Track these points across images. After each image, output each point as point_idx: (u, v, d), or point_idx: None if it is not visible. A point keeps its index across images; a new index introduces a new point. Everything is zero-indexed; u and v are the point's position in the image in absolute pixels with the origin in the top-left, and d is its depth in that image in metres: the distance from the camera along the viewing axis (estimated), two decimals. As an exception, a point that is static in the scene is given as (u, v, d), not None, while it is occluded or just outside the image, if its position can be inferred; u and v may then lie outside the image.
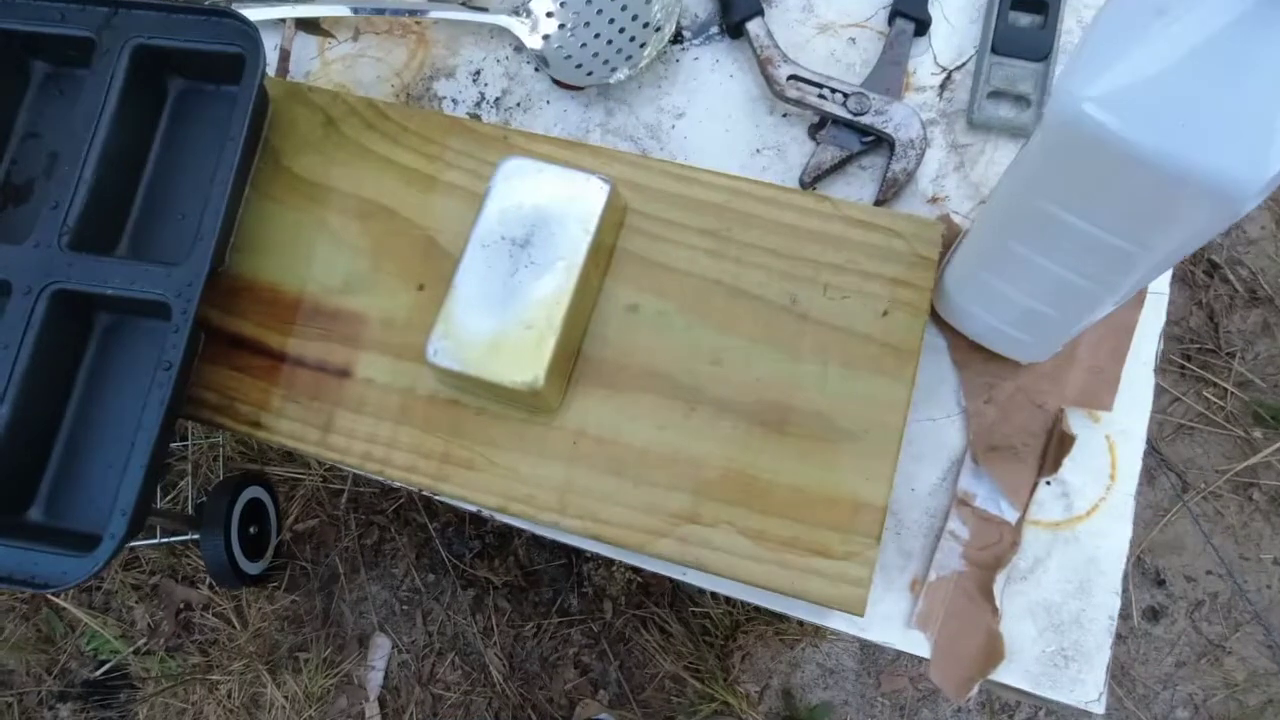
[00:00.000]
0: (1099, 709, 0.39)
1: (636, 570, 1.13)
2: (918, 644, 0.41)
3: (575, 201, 0.38)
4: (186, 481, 1.10)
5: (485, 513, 0.43)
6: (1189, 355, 1.14)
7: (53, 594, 0.36)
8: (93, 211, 0.42)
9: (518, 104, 0.52)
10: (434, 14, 0.50)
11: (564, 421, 0.40)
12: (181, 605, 1.16)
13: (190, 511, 1.10)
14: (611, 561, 1.13)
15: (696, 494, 0.38)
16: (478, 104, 0.52)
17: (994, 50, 0.47)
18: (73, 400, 0.43)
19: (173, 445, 1.08)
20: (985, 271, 0.37)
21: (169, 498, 1.11)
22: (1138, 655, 1.07)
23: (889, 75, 0.48)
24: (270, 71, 0.50)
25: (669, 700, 1.10)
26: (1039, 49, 0.47)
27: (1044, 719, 1.06)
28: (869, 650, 1.10)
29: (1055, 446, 0.41)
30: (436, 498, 0.43)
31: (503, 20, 0.50)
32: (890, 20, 0.49)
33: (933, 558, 0.41)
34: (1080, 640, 0.40)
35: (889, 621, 0.41)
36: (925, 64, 0.49)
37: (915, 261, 0.41)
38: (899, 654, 0.90)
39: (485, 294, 0.38)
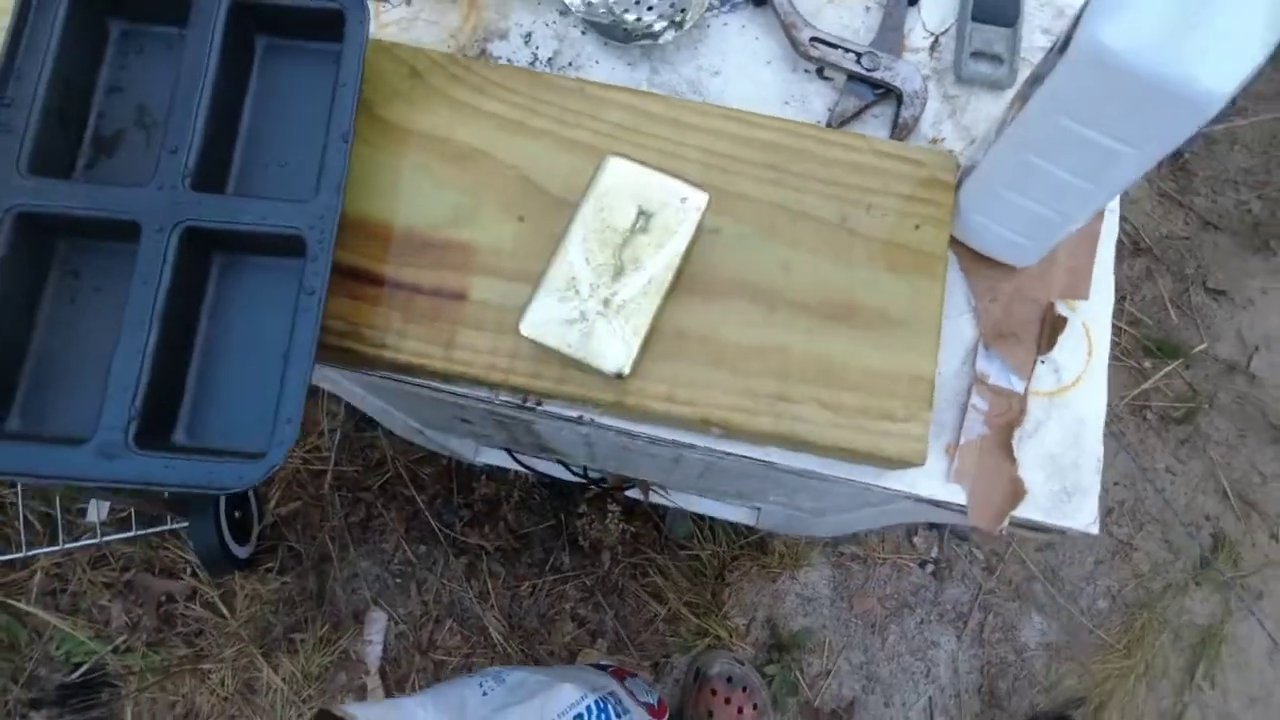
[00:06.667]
0: (1095, 530, 0.50)
1: (628, 519, 1.19)
2: (957, 495, 0.50)
3: (672, 209, 0.43)
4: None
5: (588, 416, 0.49)
6: (1088, 299, 1.32)
7: (227, 495, 0.38)
8: (206, 158, 0.45)
9: (569, 64, 0.57)
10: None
11: (667, 325, 0.46)
12: (162, 598, 1.13)
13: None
14: (605, 514, 1.19)
15: (784, 378, 0.46)
16: (532, 64, 0.57)
17: (973, 18, 0.57)
18: (199, 334, 0.45)
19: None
20: (1003, 186, 0.46)
21: (145, 489, 1.08)
22: (1065, 559, 1.24)
23: (889, 39, 0.58)
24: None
25: (664, 641, 1.18)
26: (1009, 16, 0.57)
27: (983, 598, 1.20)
28: (840, 577, 1.21)
29: (1049, 330, 0.51)
30: (547, 405, 0.48)
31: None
32: (889, -8, 0.58)
33: (962, 426, 0.51)
34: (1077, 480, 0.51)
35: (932, 479, 0.50)
36: (916, 30, 0.59)
37: (937, 185, 0.50)
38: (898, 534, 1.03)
39: (582, 280, 0.42)
